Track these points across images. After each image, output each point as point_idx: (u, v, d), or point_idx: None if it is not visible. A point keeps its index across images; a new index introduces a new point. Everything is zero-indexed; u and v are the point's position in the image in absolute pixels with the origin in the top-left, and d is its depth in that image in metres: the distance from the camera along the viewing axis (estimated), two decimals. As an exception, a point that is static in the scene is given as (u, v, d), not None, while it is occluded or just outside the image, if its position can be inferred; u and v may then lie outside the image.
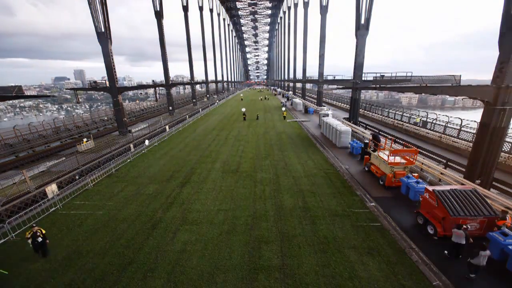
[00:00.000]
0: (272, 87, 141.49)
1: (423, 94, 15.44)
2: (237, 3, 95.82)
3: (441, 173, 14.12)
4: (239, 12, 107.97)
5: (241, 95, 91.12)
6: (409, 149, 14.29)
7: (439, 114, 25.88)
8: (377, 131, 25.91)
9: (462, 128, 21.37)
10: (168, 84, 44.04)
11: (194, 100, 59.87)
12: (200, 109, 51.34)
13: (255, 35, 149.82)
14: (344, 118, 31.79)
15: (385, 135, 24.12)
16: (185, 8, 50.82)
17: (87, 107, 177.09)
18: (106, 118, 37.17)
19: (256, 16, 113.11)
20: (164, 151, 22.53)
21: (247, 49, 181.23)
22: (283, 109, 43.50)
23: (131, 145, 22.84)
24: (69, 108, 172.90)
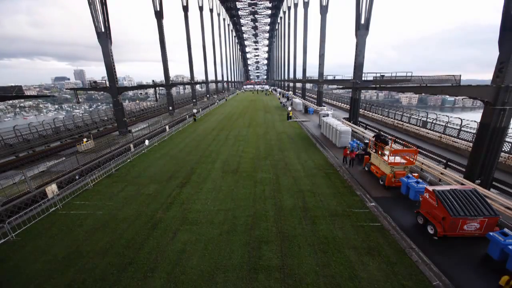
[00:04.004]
0: (272, 87, 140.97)
1: (423, 94, 15.43)
2: (237, 3, 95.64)
3: (441, 173, 14.12)
4: (239, 12, 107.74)
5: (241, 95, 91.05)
6: (409, 149, 14.29)
7: (439, 114, 25.86)
8: (378, 130, 25.91)
9: (462, 128, 21.36)
10: (168, 84, 44.04)
11: (194, 100, 59.82)
12: (200, 109, 51.32)
13: (255, 35, 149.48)
14: (344, 118, 31.78)
15: (385, 135, 24.11)
16: (185, 8, 50.79)
17: (87, 107, 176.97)
18: (106, 118, 37.14)
19: (256, 16, 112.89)
20: (164, 151, 22.53)
21: (247, 49, 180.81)
22: (289, 108, 43.13)
23: (131, 145, 22.83)
24: (69, 108, 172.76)
